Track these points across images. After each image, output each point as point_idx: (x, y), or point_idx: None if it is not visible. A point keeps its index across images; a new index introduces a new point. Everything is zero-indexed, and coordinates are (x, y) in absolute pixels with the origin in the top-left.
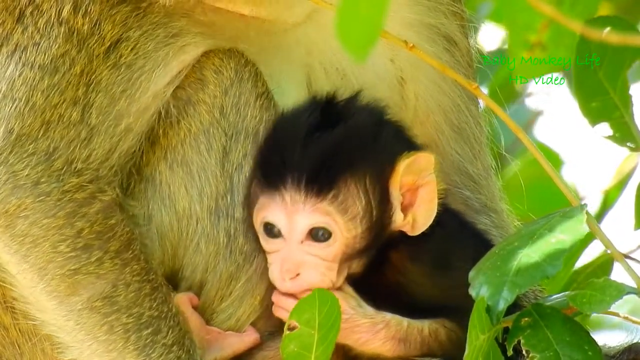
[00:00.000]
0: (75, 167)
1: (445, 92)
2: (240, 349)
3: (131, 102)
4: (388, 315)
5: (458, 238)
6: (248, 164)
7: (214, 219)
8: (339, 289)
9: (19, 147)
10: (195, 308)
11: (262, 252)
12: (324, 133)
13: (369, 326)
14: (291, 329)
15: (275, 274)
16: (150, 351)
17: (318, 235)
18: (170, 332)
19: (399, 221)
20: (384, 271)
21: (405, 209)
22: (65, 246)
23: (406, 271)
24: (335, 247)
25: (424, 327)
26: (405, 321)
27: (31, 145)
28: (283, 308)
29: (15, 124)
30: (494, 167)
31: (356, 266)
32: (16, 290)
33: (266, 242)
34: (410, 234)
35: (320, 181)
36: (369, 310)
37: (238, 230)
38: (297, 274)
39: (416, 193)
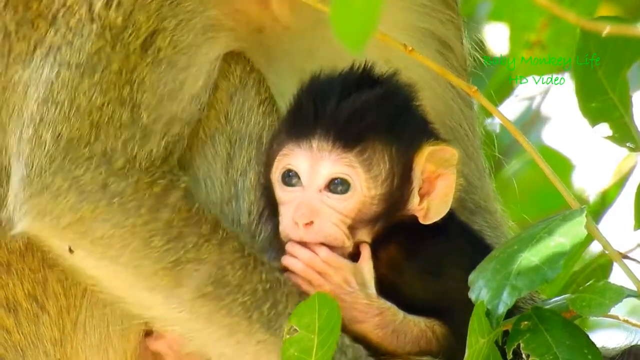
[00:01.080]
0: (140, 165)
1: (438, 94)
2: None
3: (181, 105)
4: (387, 304)
5: (456, 245)
6: (252, 170)
7: None
8: (357, 261)
9: (73, 152)
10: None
11: (269, 254)
12: (361, 92)
13: (366, 308)
14: (291, 333)
15: (287, 221)
16: (276, 325)
17: (337, 187)
18: (289, 299)
19: (415, 205)
20: (379, 263)
21: (421, 197)
22: (158, 240)
23: (400, 269)
24: (352, 202)
25: (420, 322)
26: (401, 314)
27: (86, 149)
28: (295, 257)
29: (62, 128)
30: (488, 168)
31: (364, 236)
32: (106, 293)
33: (282, 192)
34: (421, 221)
35: (350, 134)
36: (372, 292)
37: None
38: (311, 222)
39: (434, 183)
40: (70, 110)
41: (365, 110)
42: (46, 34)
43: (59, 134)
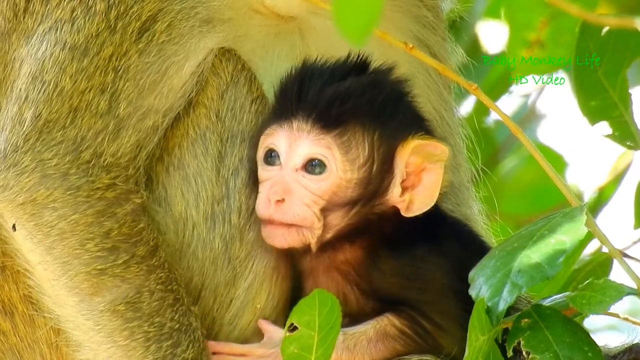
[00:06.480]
0: (105, 161)
1: (430, 102)
2: None
3: (160, 98)
4: None
5: (443, 243)
6: (244, 169)
7: (209, 224)
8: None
9: (47, 134)
10: None
11: (259, 255)
12: (348, 78)
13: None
14: (291, 330)
15: (262, 198)
16: None
17: (314, 168)
18: (190, 346)
19: (396, 196)
20: (357, 247)
21: (405, 189)
22: (93, 245)
23: (377, 258)
24: (327, 183)
25: (368, 328)
26: (340, 336)
27: (59, 133)
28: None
29: (42, 108)
30: (473, 179)
31: (338, 220)
32: (34, 279)
33: (263, 170)
34: (403, 213)
35: (330, 116)
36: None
37: (235, 237)
38: (283, 200)
39: (420, 177)
40: (54, 91)
41: (348, 95)
42: (57, 5)
43: (39, 114)
